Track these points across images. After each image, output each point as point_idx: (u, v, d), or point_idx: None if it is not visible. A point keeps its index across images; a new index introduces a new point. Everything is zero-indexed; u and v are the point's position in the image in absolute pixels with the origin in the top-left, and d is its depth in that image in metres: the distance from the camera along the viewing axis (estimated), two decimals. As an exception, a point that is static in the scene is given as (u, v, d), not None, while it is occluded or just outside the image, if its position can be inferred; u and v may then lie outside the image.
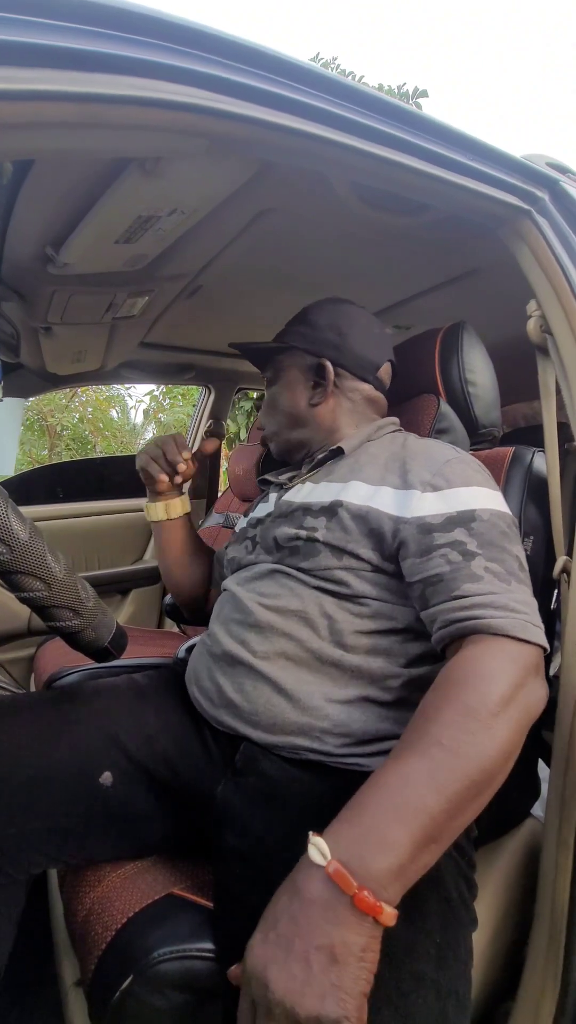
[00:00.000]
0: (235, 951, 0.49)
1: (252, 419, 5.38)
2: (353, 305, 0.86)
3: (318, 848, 0.42)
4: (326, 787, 0.57)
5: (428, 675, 0.64)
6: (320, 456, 0.78)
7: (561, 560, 0.73)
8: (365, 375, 0.82)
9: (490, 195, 0.74)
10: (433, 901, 0.50)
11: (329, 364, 0.80)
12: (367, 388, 0.83)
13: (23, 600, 0.53)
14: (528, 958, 0.64)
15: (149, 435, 7.84)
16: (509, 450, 0.86)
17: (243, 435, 5.31)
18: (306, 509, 0.71)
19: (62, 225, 0.85)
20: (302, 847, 0.51)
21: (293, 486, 0.79)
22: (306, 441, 0.83)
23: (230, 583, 0.76)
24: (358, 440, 0.77)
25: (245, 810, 0.57)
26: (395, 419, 0.84)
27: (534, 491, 0.81)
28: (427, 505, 0.62)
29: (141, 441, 7.82)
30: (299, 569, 0.67)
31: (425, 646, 0.65)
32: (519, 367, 0.99)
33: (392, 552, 0.63)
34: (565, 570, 0.72)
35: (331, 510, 0.67)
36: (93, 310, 1.16)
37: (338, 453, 0.77)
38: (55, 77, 0.42)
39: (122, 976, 0.51)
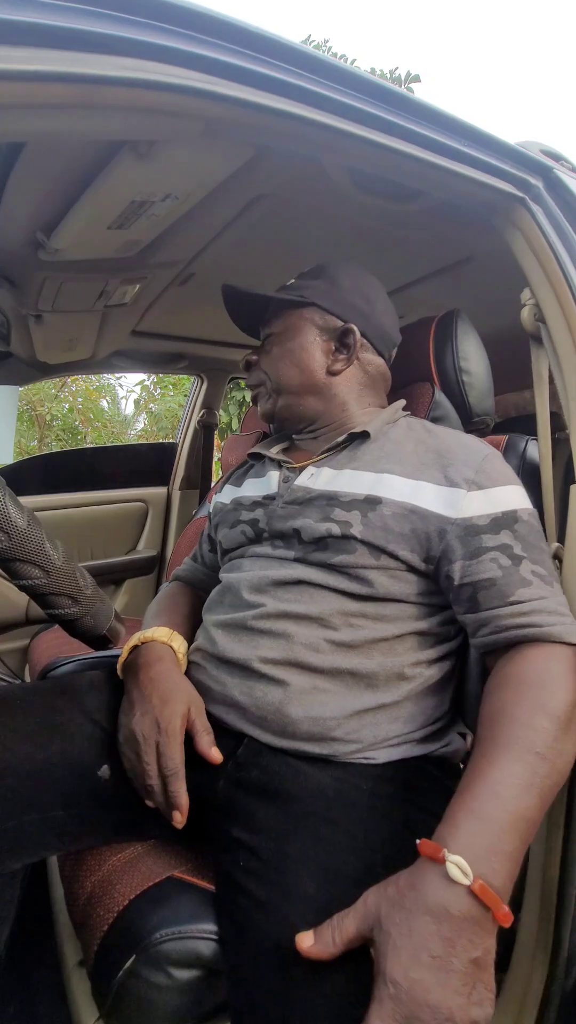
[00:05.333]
0: (237, 935, 0.50)
1: (244, 409, 5.36)
2: (371, 273, 0.81)
3: (459, 867, 0.42)
4: (330, 779, 0.58)
5: (440, 676, 0.65)
6: (340, 439, 0.72)
7: (553, 546, 0.74)
8: (383, 350, 0.78)
9: (484, 182, 0.74)
10: None
11: (357, 331, 0.74)
12: (382, 363, 0.79)
13: (22, 588, 0.53)
14: (519, 933, 0.66)
15: (140, 425, 7.77)
16: (503, 438, 0.87)
17: (235, 425, 5.29)
18: (332, 499, 0.65)
19: (53, 210, 0.84)
20: (308, 839, 0.52)
21: (303, 467, 0.73)
22: (315, 412, 0.76)
23: (231, 576, 0.71)
24: (380, 423, 0.72)
25: (249, 803, 0.57)
26: (403, 400, 0.81)
27: (527, 479, 0.81)
28: (474, 505, 0.61)
29: (132, 431, 7.76)
30: (327, 566, 0.63)
31: (441, 649, 0.65)
32: (510, 357, 0.99)
33: (436, 554, 0.61)
34: (556, 556, 0.73)
35: (368, 504, 0.63)
36: (85, 297, 1.14)
37: (361, 437, 0.71)
38: (47, 57, 0.41)
39: (125, 956, 0.52)
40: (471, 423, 0.92)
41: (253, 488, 0.78)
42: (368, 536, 0.61)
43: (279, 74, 0.55)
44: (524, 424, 0.94)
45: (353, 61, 5.71)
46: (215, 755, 0.60)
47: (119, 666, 0.70)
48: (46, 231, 0.87)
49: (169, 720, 0.59)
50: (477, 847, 0.43)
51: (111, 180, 0.74)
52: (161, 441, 6.52)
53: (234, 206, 0.94)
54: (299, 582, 0.64)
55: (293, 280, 0.79)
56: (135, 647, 0.69)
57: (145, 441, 7.37)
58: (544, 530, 0.76)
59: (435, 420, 0.87)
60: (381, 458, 0.67)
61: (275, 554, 0.68)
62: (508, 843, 0.44)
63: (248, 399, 5.16)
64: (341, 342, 0.75)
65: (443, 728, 0.66)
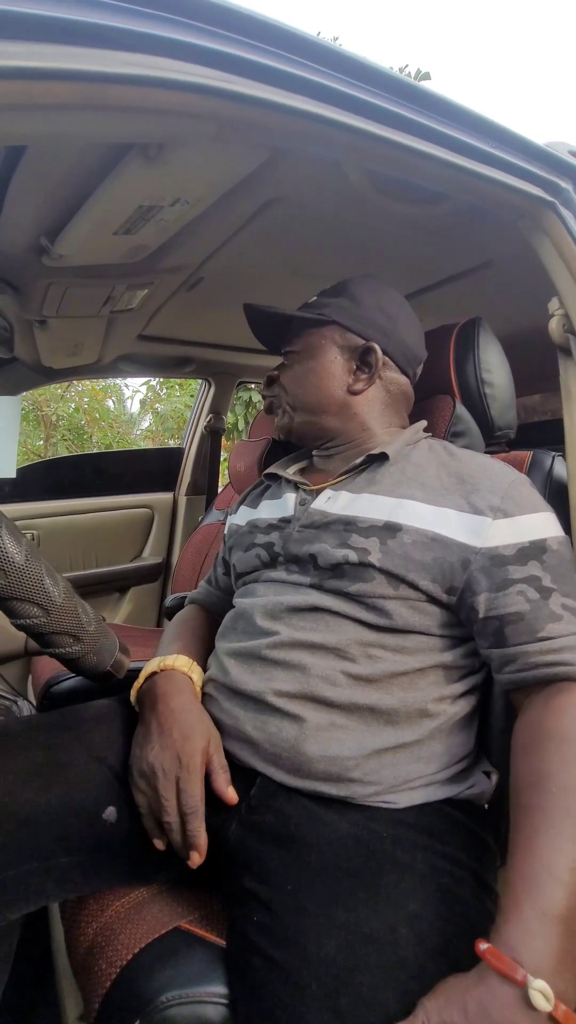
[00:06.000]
0: (249, 1000, 0.46)
1: (251, 410, 5.32)
2: (395, 289, 0.79)
3: (543, 994, 0.38)
4: (349, 824, 0.54)
5: (466, 713, 0.62)
6: (358, 461, 0.69)
7: (583, 573, 0.69)
8: (407, 368, 0.75)
9: (512, 185, 0.70)
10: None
11: (379, 349, 0.72)
12: (405, 382, 0.76)
13: (20, 627, 0.49)
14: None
15: (146, 425, 7.75)
16: (527, 454, 0.82)
17: (241, 426, 5.25)
18: (349, 524, 0.62)
19: (58, 215, 0.80)
20: (325, 893, 0.49)
21: (321, 490, 0.70)
22: (334, 431, 0.74)
23: (244, 601, 0.68)
24: (400, 444, 0.69)
25: (262, 851, 0.54)
26: (424, 422, 0.77)
27: (554, 497, 0.78)
28: (500, 534, 0.58)
29: (138, 431, 7.74)
30: (343, 594, 0.60)
31: (466, 683, 0.62)
32: (521, 362, 0.95)
33: (459, 585, 0.58)
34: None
35: (387, 531, 0.60)
36: (90, 303, 1.11)
37: (380, 459, 0.68)
38: (47, 52, 0.37)
39: (128, 1020, 0.48)
40: (493, 437, 0.88)
41: (269, 510, 0.75)
42: (387, 564, 0.58)
43: (298, 70, 0.51)
44: (526, 432, 0.91)
45: (360, 55, 5.63)
46: (231, 795, 0.57)
47: (133, 692, 0.67)
48: (50, 236, 0.84)
49: (191, 756, 0.57)
50: (552, 956, 0.40)
51: (118, 184, 0.70)
52: (167, 446, 6.50)
53: (247, 210, 0.90)
54: (314, 609, 0.61)
55: (315, 297, 0.77)
56: (152, 673, 0.66)
57: (151, 440, 7.35)
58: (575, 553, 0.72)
59: (456, 435, 0.83)
60: (402, 482, 0.64)
61: (290, 579, 0.65)
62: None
63: (255, 399, 5.12)
64: (362, 361, 0.73)
65: (468, 768, 0.62)
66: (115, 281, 1.04)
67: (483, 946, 0.41)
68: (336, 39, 5.77)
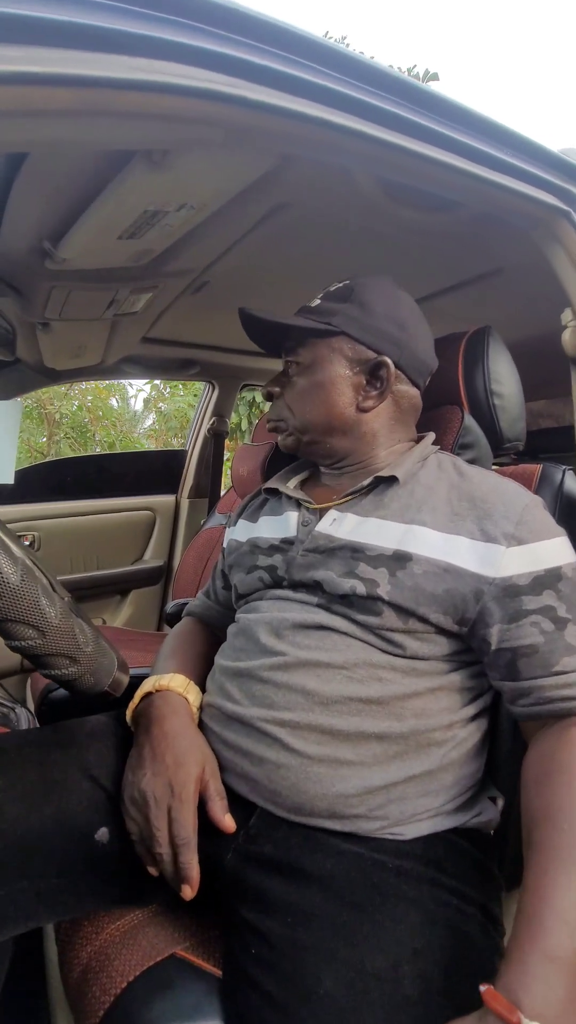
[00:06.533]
0: None
1: (254, 411, 5.30)
2: (405, 292, 0.73)
3: None
4: (351, 855, 0.52)
5: (477, 738, 0.60)
6: (365, 483, 0.65)
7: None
8: (417, 380, 0.70)
9: (526, 194, 0.69)
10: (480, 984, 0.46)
11: (391, 364, 0.66)
12: (415, 394, 0.71)
13: (15, 649, 0.47)
14: None
15: (149, 423, 7.74)
16: (536, 468, 0.81)
17: (244, 426, 5.24)
18: (357, 551, 0.59)
19: (61, 219, 0.79)
20: (326, 927, 0.48)
21: (325, 510, 0.67)
22: (343, 451, 0.69)
23: (249, 617, 0.66)
24: (410, 464, 0.65)
25: (261, 881, 0.52)
26: (432, 434, 0.73)
27: (564, 513, 0.76)
28: (514, 563, 0.56)
29: (141, 429, 7.73)
30: (351, 620, 0.58)
31: (477, 705, 0.60)
32: (526, 369, 0.94)
33: (471, 616, 0.56)
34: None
35: (397, 561, 0.57)
36: (93, 306, 1.10)
37: (388, 481, 0.64)
38: (47, 57, 0.36)
39: (121, 1053, 0.47)
40: (501, 449, 0.86)
41: (269, 528, 0.72)
42: (396, 598, 0.56)
43: (306, 74, 0.49)
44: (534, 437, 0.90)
45: (371, 59, 5.61)
46: (228, 823, 0.55)
47: (129, 713, 0.65)
48: (53, 240, 0.83)
49: (184, 784, 0.54)
50: (554, 1000, 0.38)
51: (122, 190, 0.69)
52: (171, 445, 6.49)
53: (253, 215, 0.89)
54: (321, 627, 0.59)
55: (318, 301, 0.71)
56: (147, 693, 0.64)
57: (154, 439, 7.35)
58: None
59: (464, 447, 0.81)
60: (411, 506, 0.61)
61: (296, 597, 0.63)
62: None
63: (259, 400, 5.10)
64: (373, 375, 0.67)
65: (475, 796, 0.60)
66: (119, 285, 1.03)
67: (483, 987, 0.40)
68: (344, 39, 5.75)
